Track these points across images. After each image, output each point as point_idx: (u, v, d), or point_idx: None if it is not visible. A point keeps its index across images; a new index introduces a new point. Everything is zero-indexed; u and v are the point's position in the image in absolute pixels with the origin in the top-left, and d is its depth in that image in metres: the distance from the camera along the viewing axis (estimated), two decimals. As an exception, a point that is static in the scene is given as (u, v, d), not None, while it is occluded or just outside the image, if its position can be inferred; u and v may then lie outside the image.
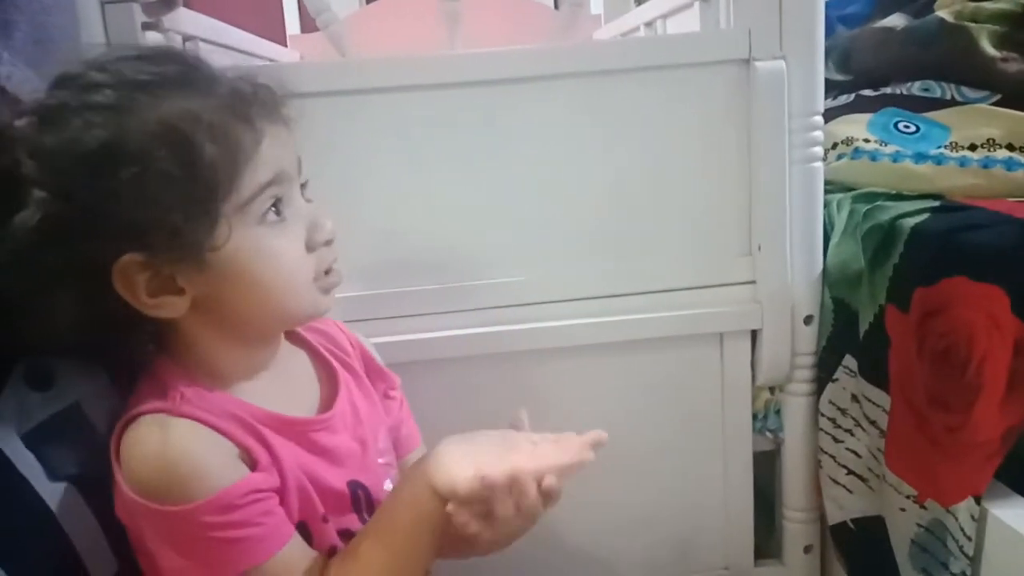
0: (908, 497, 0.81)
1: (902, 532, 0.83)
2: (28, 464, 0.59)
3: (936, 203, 0.87)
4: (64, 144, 0.54)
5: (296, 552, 0.60)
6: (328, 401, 0.69)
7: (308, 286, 0.62)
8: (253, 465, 0.59)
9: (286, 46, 1.98)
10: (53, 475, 0.61)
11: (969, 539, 0.73)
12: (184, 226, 0.55)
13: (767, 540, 1.06)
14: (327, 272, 0.64)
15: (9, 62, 0.65)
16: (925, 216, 0.82)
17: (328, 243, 0.64)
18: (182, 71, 0.59)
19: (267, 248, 0.59)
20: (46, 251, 0.54)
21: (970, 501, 0.73)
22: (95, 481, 0.59)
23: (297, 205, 0.63)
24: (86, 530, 0.62)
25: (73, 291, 0.56)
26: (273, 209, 0.60)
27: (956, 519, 0.74)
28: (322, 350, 0.73)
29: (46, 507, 0.60)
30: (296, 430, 0.64)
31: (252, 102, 0.60)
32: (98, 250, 0.55)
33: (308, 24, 2.07)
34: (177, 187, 0.55)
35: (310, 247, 0.62)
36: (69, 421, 0.63)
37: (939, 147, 0.96)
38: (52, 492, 0.60)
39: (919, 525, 0.80)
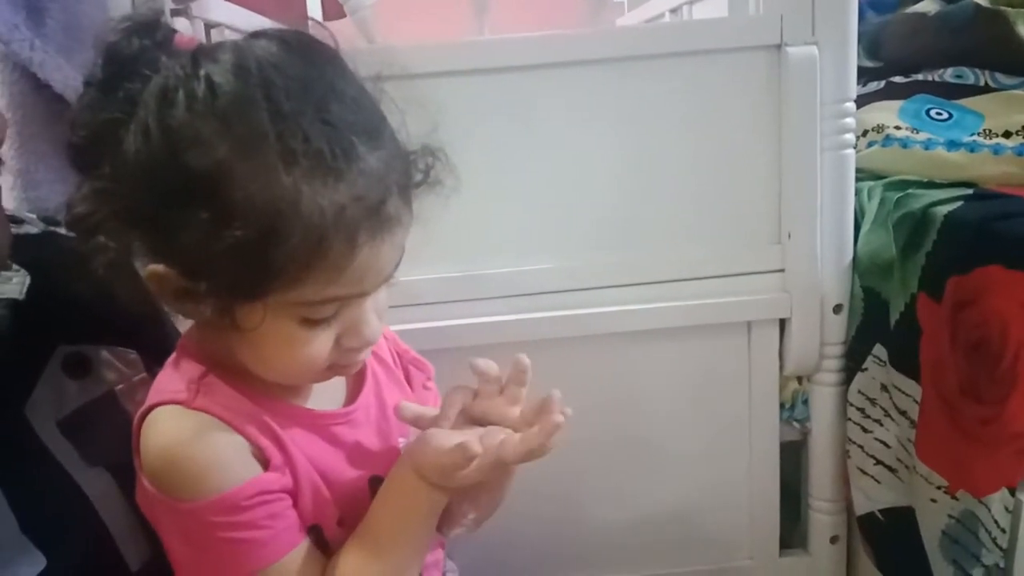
0: (939, 488, 0.80)
1: (933, 523, 0.82)
2: (64, 450, 0.60)
3: (969, 191, 0.86)
4: (168, 139, 0.50)
5: (305, 557, 0.58)
6: (354, 393, 0.66)
7: (316, 371, 0.58)
8: (265, 464, 0.57)
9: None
10: (88, 461, 0.62)
11: (1003, 531, 0.72)
12: (220, 289, 0.52)
13: (793, 530, 1.06)
14: (343, 365, 0.59)
15: (41, 49, 0.66)
16: (958, 204, 0.81)
17: (358, 350, 0.58)
18: (332, 138, 0.50)
19: (294, 339, 0.55)
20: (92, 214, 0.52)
21: (1004, 492, 0.72)
22: (129, 468, 0.59)
23: (354, 306, 0.56)
24: (121, 515, 0.63)
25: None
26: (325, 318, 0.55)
27: (989, 510, 0.74)
28: None
29: (81, 492, 0.61)
30: (317, 423, 0.62)
31: (377, 206, 0.52)
32: (136, 248, 0.53)
33: (330, 10, 2.07)
34: (237, 257, 0.49)
35: (338, 346, 0.57)
36: (104, 408, 0.64)
37: (972, 134, 0.95)
38: (87, 478, 0.61)
39: (950, 516, 0.79)
